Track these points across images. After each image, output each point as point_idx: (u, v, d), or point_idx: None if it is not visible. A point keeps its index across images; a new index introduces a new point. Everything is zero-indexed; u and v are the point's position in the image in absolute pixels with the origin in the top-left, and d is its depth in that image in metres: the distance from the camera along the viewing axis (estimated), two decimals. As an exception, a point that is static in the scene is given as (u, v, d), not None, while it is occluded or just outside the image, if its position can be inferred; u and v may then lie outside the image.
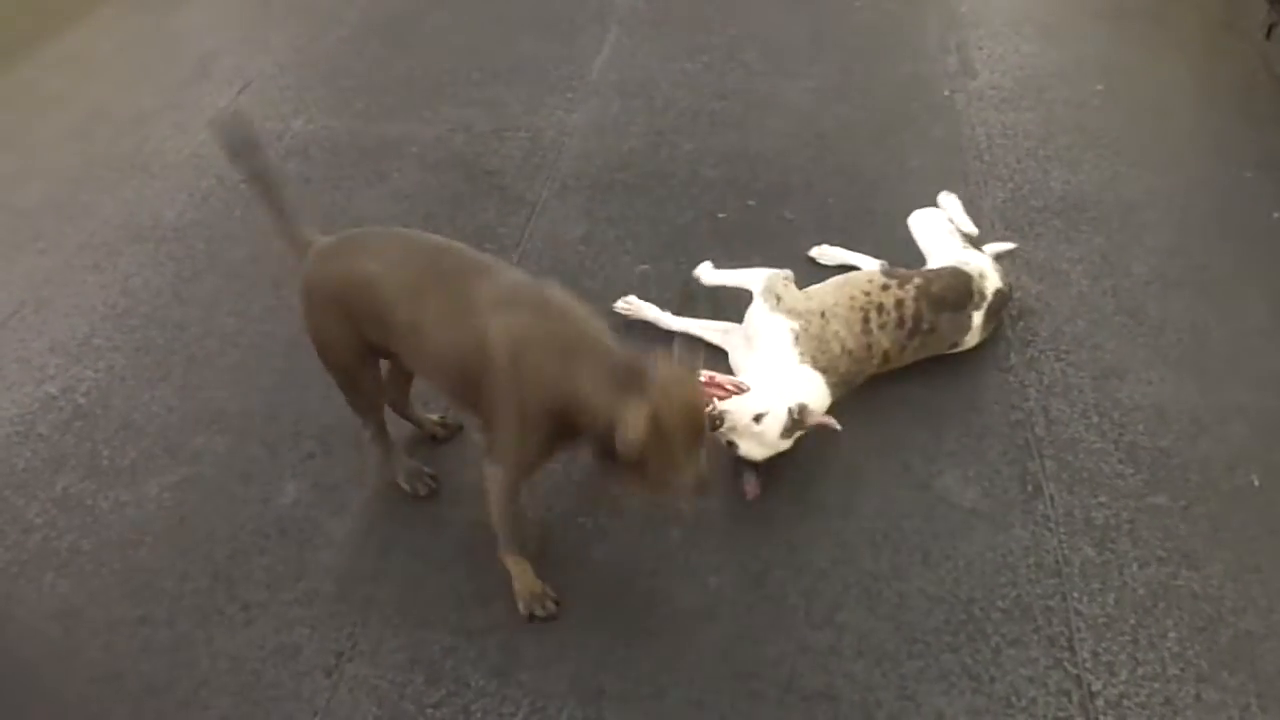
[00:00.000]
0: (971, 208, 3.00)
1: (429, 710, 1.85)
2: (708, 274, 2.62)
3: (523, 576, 1.99)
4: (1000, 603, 2.00)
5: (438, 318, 1.86)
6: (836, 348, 2.30)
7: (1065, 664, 1.90)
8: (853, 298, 2.38)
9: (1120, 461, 2.28)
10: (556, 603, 1.99)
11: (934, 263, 2.55)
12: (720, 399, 2.14)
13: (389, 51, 3.91)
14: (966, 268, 2.47)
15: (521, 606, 1.98)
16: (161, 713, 1.86)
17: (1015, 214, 2.97)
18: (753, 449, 2.17)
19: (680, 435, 1.72)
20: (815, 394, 2.23)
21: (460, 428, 2.35)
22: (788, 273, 2.47)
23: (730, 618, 1.98)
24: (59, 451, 2.35)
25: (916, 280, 2.42)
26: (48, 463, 2.33)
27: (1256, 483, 2.22)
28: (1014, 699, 1.85)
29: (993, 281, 2.46)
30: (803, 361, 2.27)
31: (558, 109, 3.52)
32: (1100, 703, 1.84)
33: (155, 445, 2.36)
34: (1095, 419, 2.37)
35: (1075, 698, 1.85)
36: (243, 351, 2.60)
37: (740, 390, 2.17)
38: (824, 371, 2.27)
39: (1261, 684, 1.86)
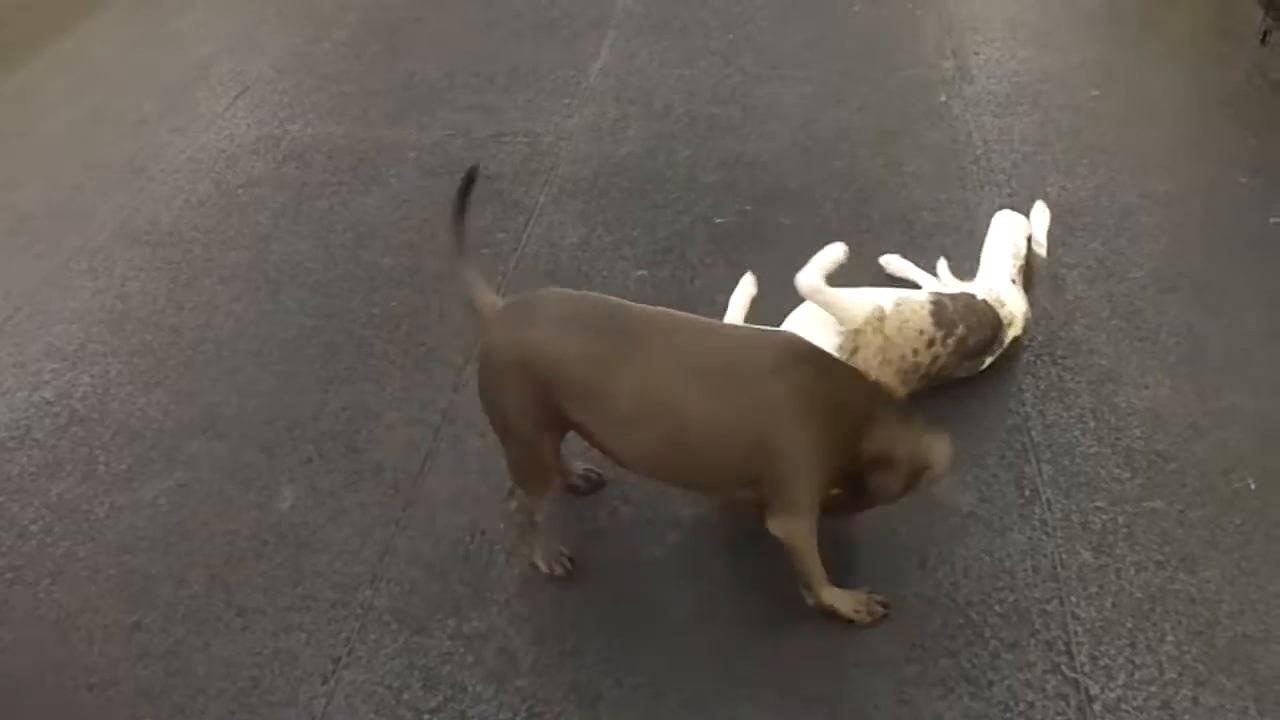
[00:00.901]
0: (967, 212, 3.01)
1: (426, 716, 1.85)
2: (810, 280, 2.21)
3: (844, 599, 1.95)
4: (998, 607, 2.00)
5: (693, 392, 1.76)
6: None
7: (1063, 668, 1.90)
8: (903, 357, 2.26)
9: (1117, 466, 2.28)
10: (884, 605, 1.97)
11: (984, 272, 2.49)
12: None
13: (387, 56, 3.92)
14: (1002, 311, 2.39)
15: (868, 618, 1.95)
16: (157, 719, 1.85)
17: (1012, 219, 2.98)
18: None
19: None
20: None
21: (604, 483, 2.22)
22: (882, 310, 2.25)
23: (728, 622, 1.98)
24: (55, 457, 2.35)
25: (959, 331, 2.31)
26: (43, 468, 2.32)
27: (1253, 487, 2.22)
28: (1011, 703, 1.85)
29: (1014, 330, 2.43)
30: None
31: (555, 114, 3.52)
32: (1098, 707, 1.84)
33: (151, 450, 2.36)
34: (1092, 423, 2.37)
35: (1073, 702, 1.85)
36: (240, 356, 2.60)
37: None
38: None
39: (1259, 687, 1.86)
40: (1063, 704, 1.84)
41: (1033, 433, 2.35)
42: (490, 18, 4.13)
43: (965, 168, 3.22)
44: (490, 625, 1.98)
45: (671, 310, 1.89)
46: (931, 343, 2.29)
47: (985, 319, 2.37)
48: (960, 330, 2.32)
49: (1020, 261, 2.51)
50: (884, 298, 2.32)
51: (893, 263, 2.78)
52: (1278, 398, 2.43)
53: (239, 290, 2.81)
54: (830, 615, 1.95)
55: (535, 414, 1.84)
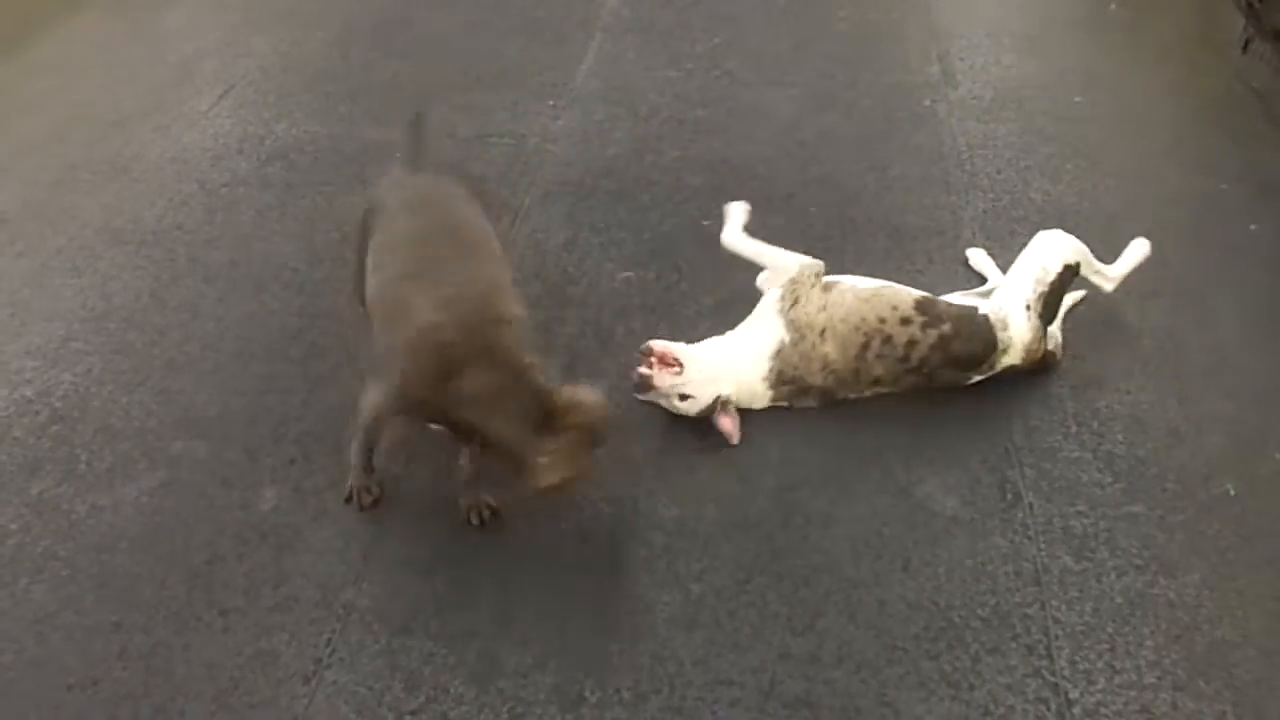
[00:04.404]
0: (952, 216, 3.03)
1: (408, 717, 1.84)
2: (731, 237, 2.54)
3: (355, 472, 2.19)
4: (980, 610, 2.01)
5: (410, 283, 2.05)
6: (817, 366, 2.34)
7: (1043, 672, 1.91)
8: (864, 319, 2.32)
9: (1099, 470, 2.29)
10: (379, 492, 2.20)
11: (1001, 290, 2.44)
12: (656, 367, 2.30)
13: (373, 56, 3.90)
14: (1000, 334, 2.36)
15: (346, 495, 2.20)
16: (137, 719, 1.84)
17: (995, 224, 2.99)
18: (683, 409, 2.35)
19: (574, 452, 1.92)
20: (751, 397, 2.37)
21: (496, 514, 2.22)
22: (819, 266, 2.43)
23: (711, 625, 1.99)
24: (35, 455, 2.33)
25: (945, 328, 2.33)
26: (23, 467, 2.31)
27: (1232, 492, 2.24)
28: (992, 706, 1.86)
29: (1009, 358, 2.39)
30: (769, 373, 2.35)
31: (542, 115, 3.52)
32: (1078, 710, 1.85)
33: (133, 449, 2.34)
34: (1074, 428, 2.39)
35: (1053, 705, 1.86)
36: (223, 356, 2.59)
37: (677, 365, 2.30)
38: (790, 383, 2.35)
39: (1237, 692, 1.88)
40: (1043, 708, 1.85)
41: (1015, 437, 2.36)
42: (477, 18, 4.13)
43: (950, 172, 3.23)
44: (473, 626, 1.98)
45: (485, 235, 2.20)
46: (906, 321, 2.33)
47: (978, 333, 2.36)
48: (946, 329, 2.33)
49: (1044, 289, 2.41)
50: (876, 283, 2.42)
51: (974, 257, 2.82)
52: (1257, 404, 2.45)
53: (222, 290, 2.80)
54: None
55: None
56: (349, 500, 2.20)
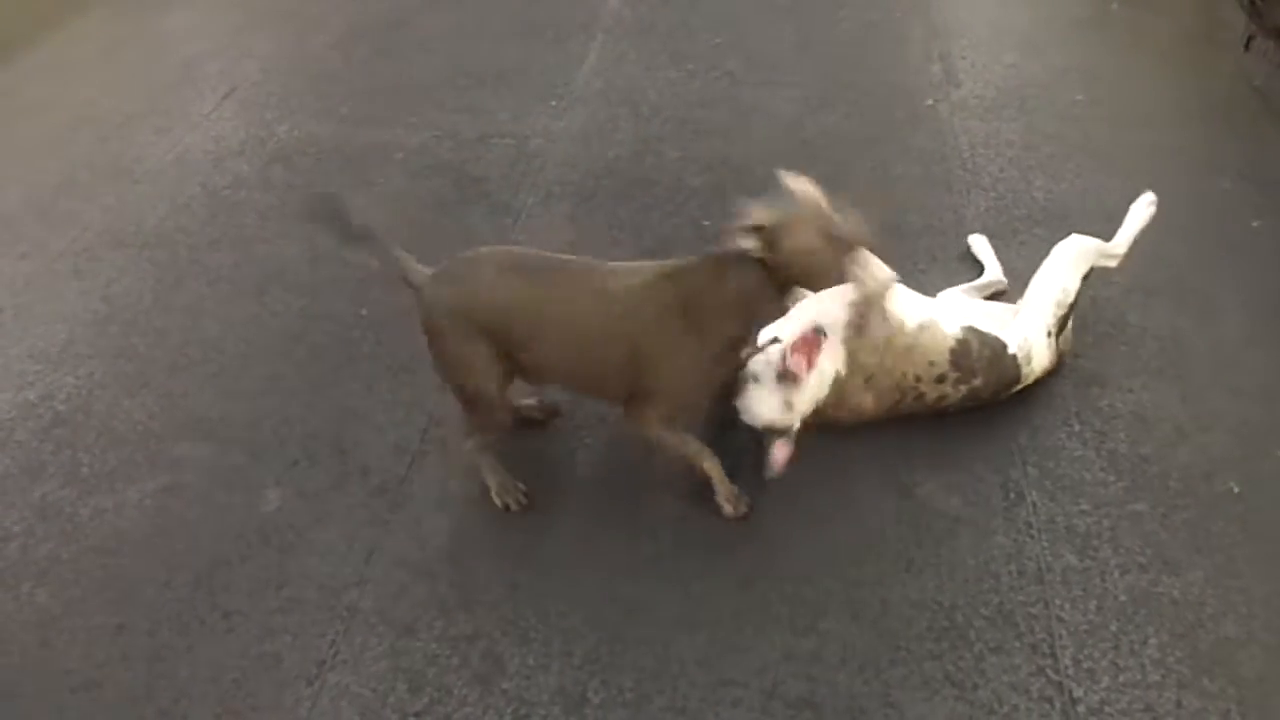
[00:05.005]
0: (954, 215, 3.02)
1: (411, 718, 1.85)
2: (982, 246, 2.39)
3: (724, 485, 2.15)
4: (983, 609, 2.01)
5: (578, 319, 2.01)
6: (850, 404, 2.28)
7: (1047, 671, 1.91)
8: (905, 374, 2.25)
9: (1102, 469, 2.29)
10: (750, 506, 2.17)
11: (1025, 314, 2.38)
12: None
13: (375, 57, 3.91)
14: (1024, 369, 2.33)
15: (730, 508, 2.15)
16: (141, 722, 1.85)
17: (998, 222, 2.99)
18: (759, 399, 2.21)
19: (816, 235, 2.06)
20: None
21: (557, 411, 2.39)
22: (901, 328, 2.25)
23: (713, 625, 1.99)
24: (38, 459, 2.33)
25: (976, 382, 2.29)
26: (26, 470, 2.31)
27: (1236, 490, 2.24)
28: (996, 705, 1.86)
29: (1024, 383, 2.37)
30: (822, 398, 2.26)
31: (543, 116, 3.52)
32: (1082, 709, 1.85)
33: (136, 452, 2.34)
34: (1077, 427, 2.38)
35: (1057, 704, 1.86)
36: (225, 358, 2.59)
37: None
38: (817, 412, 2.26)
39: (1242, 690, 1.88)
40: (1047, 706, 1.85)
41: (1018, 436, 2.36)
42: (478, 19, 4.13)
43: (952, 171, 3.23)
44: (476, 628, 1.98)
45: (584, 259, 2.12)
46: (941, 379, 2.27)
47: (1005, 377, 2.33)
48: (977, 383, 2.30)
49: (1064, 311, 2.40)
50: (921, 311, 2.30)
51: (975, 244, 2.79)
52: (1260, 402, 2.45)
53: (225, 292, 2.80)
54: (705, 483, 2.16)
55: (496, 365, 2.04)
56: (738, 510, 2.16)
